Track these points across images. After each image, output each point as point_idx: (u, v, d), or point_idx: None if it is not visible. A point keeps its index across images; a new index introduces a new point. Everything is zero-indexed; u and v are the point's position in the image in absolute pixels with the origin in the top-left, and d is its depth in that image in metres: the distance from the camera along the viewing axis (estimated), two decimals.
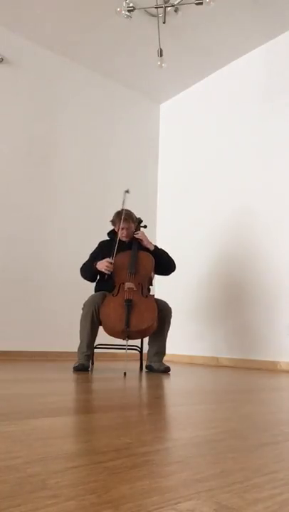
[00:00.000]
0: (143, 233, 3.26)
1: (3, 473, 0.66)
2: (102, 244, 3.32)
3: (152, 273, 3.18)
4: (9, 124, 4.17)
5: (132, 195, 4.83)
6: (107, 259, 3.01)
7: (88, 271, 3.15)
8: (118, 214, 3.26)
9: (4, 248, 3.97)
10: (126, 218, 3.22)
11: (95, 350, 3.15)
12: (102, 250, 3.23)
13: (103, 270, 3.01)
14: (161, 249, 3.28)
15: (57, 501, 0.55)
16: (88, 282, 3.28)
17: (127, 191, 3.31)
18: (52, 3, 3.85)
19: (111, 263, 2.99)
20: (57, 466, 0.71)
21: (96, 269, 3.07)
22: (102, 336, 3.02)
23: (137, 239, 3.23)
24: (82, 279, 3.21)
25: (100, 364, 3.63)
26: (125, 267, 3.05)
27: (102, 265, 3.02)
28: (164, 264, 3.23)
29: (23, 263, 4.06)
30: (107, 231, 3.40)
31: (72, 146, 4.59)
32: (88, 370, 2.87)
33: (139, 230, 3.34)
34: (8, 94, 4.19)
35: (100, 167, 4.78)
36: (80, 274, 3.21)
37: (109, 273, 3.00)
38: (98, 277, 3.24)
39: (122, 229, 3.22)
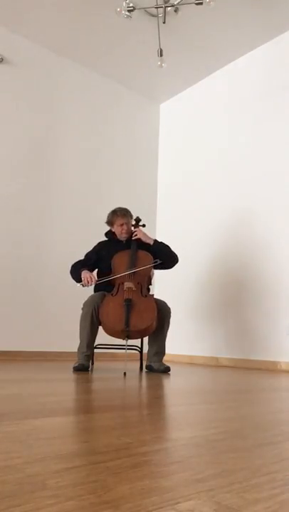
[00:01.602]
0: (140, 230, 3.24)
1: (3, 473, 0.66)
2: (101, 244, 3.31)
3: (152, 272, 3.18)
4: (9, 123, 4.17)
5: (132, 195, 4.86)
6: (94, 277, 3.00)
7: (76, 273, 3.12)
8: (114, 212, 3.25)
9: (3, 249, 3.97)
10: (124, 214, 3.22)
11: (95, 350, 3.15)
12: (101, 251, 3.21)
13: (83, 281, 2.98)
14: (161, 243, 3.25)
15: (57, 501, 0.55)
16: None
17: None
18: (52, 3, 3.85)
19: (93, 281, 2.99)
20: (57, 466, 0.71)
21: (80, 278, 3.03)
22: (102, 336, 3.02)
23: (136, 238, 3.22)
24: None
25: (100, 364, 3.63)
26: (124, 266, 3.04)
27: (86, 276, 2.99)
28: (166, 257, 3.17)
29: (22, 263, 4.06)
30: (105, 232, 3.39)
31: (72, 146, 4.59)
32: (88, 370, 2.87)
33: (137, 228, 3.33)
34: (8, 94, 4.19)
35: (100, 167, 4.78)
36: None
37: (83, 286, 3.00)
38: (97, 276, 3.24)
39: (122, 225, 3.20)
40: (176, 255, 3.22)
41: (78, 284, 3.06)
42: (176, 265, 3.27)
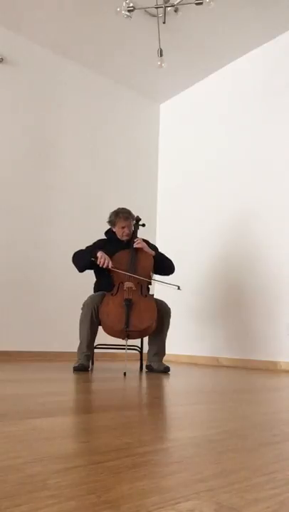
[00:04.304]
0: (141, 241, 3.17)
1: (3, 473, 0.66)
2: (102, 242, 3.28)
3: (151, 272, 3.17)
4: (9, 124, 4.17)
5: (132, 195, 4.86)
6: (111, 263, 2.95)
7: (84, 257, 3.04)
8: (117, 214, 3.24)
9: (4, 249, 3.97)
10: (126, 216, 3.21)
11: (95, 350, 3.15)
12: (101, 249, 3.18)
13: (99, 259, 2.92)
14: (161, 254, 3.28)
15: (57, 501, 0.55)
16: (87, 282, 3.28)
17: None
18: (52, 3, 3.85)
19: (108, 265, 2.94)
20: (57, 466, 0.71)
21: (95, 255, 2.96)
22: (102, 336, 3.02)
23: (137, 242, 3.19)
24: (77, 269, 3.12)
25: (100, 364, 3.63)
26: (125, 265, 3.04)
27: (104, 257, 2.94)
28: (165, 268, 3.24)
29: (22, 264, 4.06)
30: (105, 231, 3.38)
31: (72, 146, 4.59)
32: (88, 370, 2.87)
33: (138, 228, 3.33)
34: (8, 94, 4.19)
35: (100, 167, 4.78)
36: (72, 261, 3.13)
37: (99, 265, 2.93)
38: (97, 276, 3.24)
39: (124, 227, 3.20)
40: (174, 267, 3.27)
41: (92, 259, 2.93)
42: (176, 265, 3.31)
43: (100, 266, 2.94)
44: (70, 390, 1.83)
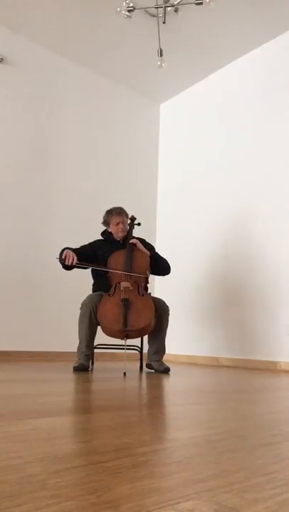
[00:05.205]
0: (137, 241, 3.18)
1: (3, 473, 0.66)
2: (98, 242, 3.28)
3: (148, 271, 3.16)
4: (9, 124, 4.17)
5: (132, 195, 4.86)
6: (76, 260, 2.91)
7: (60, 251, 3.05)
8: (109, 212, 3.26)
9: (4, 249, 3.97)
10: (119, 212, 3.22)
11: (95, 350, 3.15)
12: (98, 250, 3.18)
13: (64, 254, 2.92)
14: (156, 254, 3.27)
15: (57, 501, 0.55)
16: (87, 282, 3.28)
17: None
18: (52, 3, 3.85)
19: (73, 261, 2.90)
20: (57, 466, 0.71)
21: (61, 256, 2.94)
22: (102, 336, 3.02)
23: (132, 239, 3.18)
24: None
25: (100, 364, 3.63)
26: (121, 266, 3.03)
27: (68, 254, 2.91)
28: (160, 269, 3.24)
29: (22, 263, 4.06)
30: (101, 232, 3.38)
31: (72, 146, 4.59)
32: (88, 370, 2.87)
33: (133, 228, 3.33)
34: (8, 94, 4.19)
35: (100, 167, 4.78)
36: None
37: (62, 261, 2.91)
38: (94, 277, 3.24)
39: (118, 224, 3.20)
40: (170, 266, 3.26)
41: (57, 258, 2.97)
42: (176, 265, 3.30)
43: (67, 264, 2.92)
44: (70, 390, 1.83)
